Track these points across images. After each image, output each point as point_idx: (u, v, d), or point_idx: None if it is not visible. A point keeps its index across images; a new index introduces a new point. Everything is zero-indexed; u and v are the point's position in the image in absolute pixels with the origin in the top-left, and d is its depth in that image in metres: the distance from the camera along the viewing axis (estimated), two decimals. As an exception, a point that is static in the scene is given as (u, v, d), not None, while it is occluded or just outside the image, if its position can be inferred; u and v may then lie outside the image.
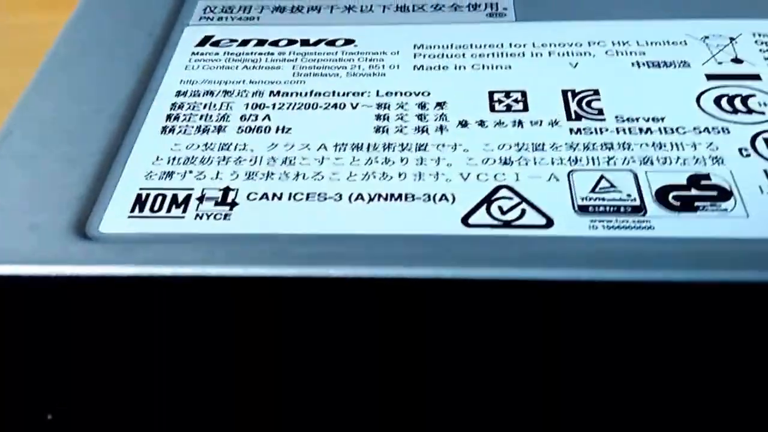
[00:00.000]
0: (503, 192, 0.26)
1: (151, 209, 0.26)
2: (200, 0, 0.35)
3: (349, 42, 0.32)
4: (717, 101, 0.28)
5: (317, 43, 0.32)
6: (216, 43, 0.32)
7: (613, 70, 0.30)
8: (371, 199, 0.26)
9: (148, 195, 0.26)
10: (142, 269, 0.24)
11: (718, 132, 0.27)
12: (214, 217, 0.25)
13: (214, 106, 0.29)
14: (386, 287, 0.24)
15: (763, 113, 0.28)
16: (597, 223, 0.25)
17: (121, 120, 0.29)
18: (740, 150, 0.26)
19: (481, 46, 0.32)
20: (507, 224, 0.25)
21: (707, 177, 0.26)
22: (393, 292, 0.24)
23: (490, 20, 0.33)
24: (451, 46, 0.32)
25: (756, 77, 0.29)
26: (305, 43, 0.32)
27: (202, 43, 0.32)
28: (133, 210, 0.26)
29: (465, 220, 0.25)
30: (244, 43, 0.32)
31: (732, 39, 0.31)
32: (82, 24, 0.34)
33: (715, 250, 0.24)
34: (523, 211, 0.25)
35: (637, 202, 0.25)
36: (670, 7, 0.33)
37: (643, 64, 0.30)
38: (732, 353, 0.23)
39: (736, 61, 0.30)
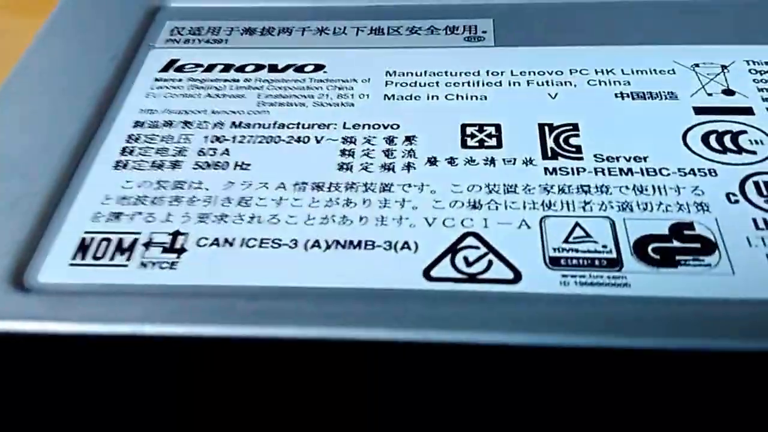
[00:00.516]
0: (470, 240, 0.23)
1: (94, 256, 0.23)
2: (168, 20, 0.32)
3: (318, 68, 0.29)
4: (705, 138, 0.25)
5: (286, 68, 0.29)
6: (180, 68, 0.29)
7: (594, 101, 0.27)
8: (328, 247, 0.23)
9: (92, 239, 0.23)
10: (77, 326, 0.21)
11: (705, 174, 0.24)
12: (160, 266, 0.22)
13: (172, 138, 0.26)
14: (337, 349, 0.21)
15: (754, 153, 0.25)
16: (569, 279, 0.22)
17: (74, 154, 0.26)
18: (728, 195, 0.23)
19: (456, 74, 0.28)
20: (472, 278, 0.22)
21: (690, 226, 0.23)
22: (344, 354, 0.21)
23: (468, 45, 0.30)
24: (425, 73, 0.29)
25: (748, 111, 0.26)
26: (273, 68, 0.29)
27: (166, 68, 0.29)
28: (75, 257, 0.23)
29: (427, 273, 0.22)
30: (210, 68, 0.29)
31: (724, 67, 0.28)
32: (44, 46, 0.31)
33: (695, 313, 0.21)
34: (490, 263, 0.22)
35: (613, 255, 0.22)
36: (659, 32, 0.30)
37: (628, 95, 0.27)
38: (711, 423, 0.21)
39: (728, 92, 0.27)
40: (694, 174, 0.24)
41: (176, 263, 0.22)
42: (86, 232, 0.23)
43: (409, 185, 0.24)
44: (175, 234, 0.23)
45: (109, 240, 0.23)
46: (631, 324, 0.21)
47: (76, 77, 0.29)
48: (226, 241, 0.23)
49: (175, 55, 0.30)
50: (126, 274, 0.22)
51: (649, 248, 0.22)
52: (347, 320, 0.21)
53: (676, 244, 0.22)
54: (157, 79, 0.29)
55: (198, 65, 0.29)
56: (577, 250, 0.22)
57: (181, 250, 0.23)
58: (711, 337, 0.20)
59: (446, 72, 0.28)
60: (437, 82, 0.28)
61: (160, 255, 0.23)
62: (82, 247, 0.23)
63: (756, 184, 0.24)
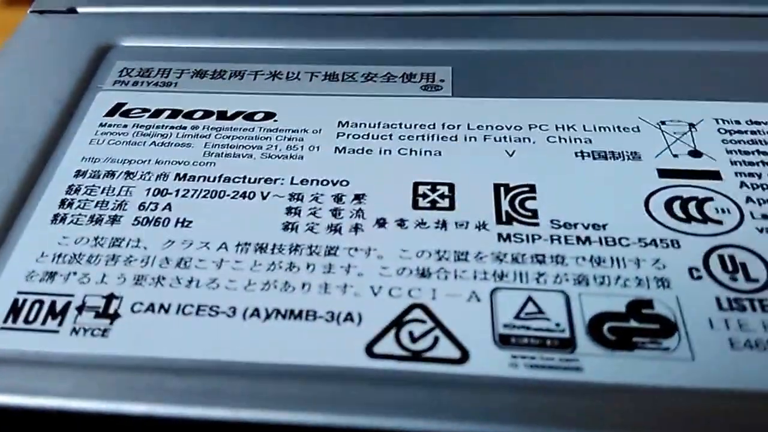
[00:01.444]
0: (416, 313, 0.21)
1: (26, 320, 0.21)
2: (119, 60, 0.30)
3: (269, 116, 0.27)
4: (668, 205, 0.24)
5: (235, 116, 0.27)
6: (126, 113, 0.28)
7: (553, 160, 0.25)
8: (268, 316, 0.21)
9: (25, 301, 0.22)
10: (4, 398, 0.20)
11: (667, 245, 0.22)
12: (92, 333, 0.21)
13: (113, 190, 0.25)
14: None
15: (720, 222, 0.23)
16: (518, 360, 0.20)
17: (13, 204, 0.25)
18: (690, 270, 0.22)
19: (410, 126, 0.27)
20: (416, 356, 0.20)
21: (650, 304, 0.21)
22: None
23: (425, 94, 0.28)
24: (378, 124, 0.27)
25: (715, 175, 0.24)
26: (222, 115, 0.27)
27: (111, 113, 0.28)
28: (6, 320, 0.21)
29: (369, 349, 0.20)
30: (157, 113, 0.28)
31: (692, 126, 0.26)
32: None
33: (650, 403, 0.19)
34: (436, 340, 0.21)
35: (566, 334, 0.20)
36: (625, 84, 0.28)
37: (588, 154, 0.25)
38: None
39: (695, 153, 0.25)
40: (656, 245, 0.22)
41: (108, 331, 0.21)
42: (19, 292, 0.22)
43: (356, 249, 0.23)
44: (110, 297, 0.22)
45: (41, 302, 0.22)
46: (581, 416, 0.19)
47: (19, 121, 0.27)
48: (162, 306, 0.21)
49: (122, 97, 0.28)
50: (57, 341, 0.21)
51: (605, 327, 0.21)
52: (282, 402, 0.20)
53: (633, 324, 0.21)
54: (101, 124, 0.27)
55: (145, 110, 0.28)
56: (528, 328, 0.21)
57: (115, 316, 0.21)
58: None
59: (400, 124, 0.27)
60: (390, 135, 0.26)
61: (92, 320, 0.21)
62: (14, 309, 0.22)
63: (721, 257, 0.22)
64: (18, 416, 0.20)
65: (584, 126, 0.26)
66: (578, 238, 0.23)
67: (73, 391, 0.20)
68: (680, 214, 0.23)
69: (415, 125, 0.27)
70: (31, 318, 0.21)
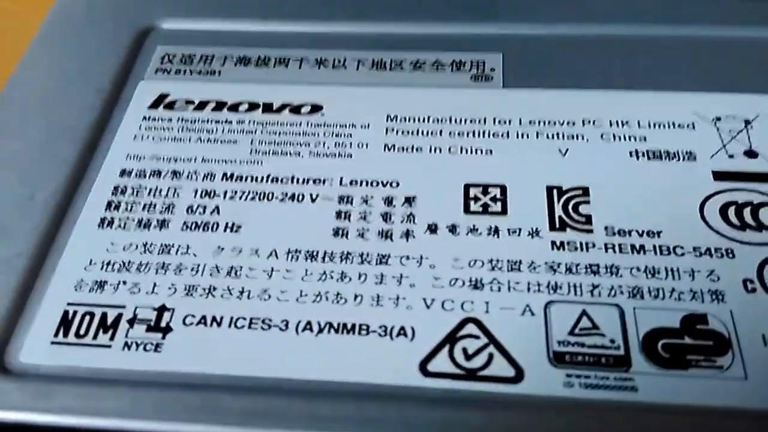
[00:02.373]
0: (470, 327, 0.22)
1: (77, 333, 0.22)
2: (159, 44, 0.31)
3: (316, 109, 0.28)
4: (723, 211, 0.24)
5: (281, 108, 0.28)
6: (170, 105, 0.28)
7: (607, 161, 0.25)
8: (320, 330, 0.22)
9: (75, 313, 0.23)
10: (60, 418, 0.21)
11: (722, 255, 0.23)
12: (144, 348, 0.22)
13: (160, 192, 0.25)
14: None
15: None
16: (573, 379, 0.21)
17: (58, 207, 0.25)
18: (745, 282, 0.22)
19: (461, 121, 0.27)
20: (470, 374, 0.21)
21: (704, 319, 0.22)
22: None
23: (475, 85, 0.28)
24: (428, 119, 0.27)
25: (772, 178, 0.23)
26: (268, 108, 0.28)
27: (155, 105, 0.28)
28: (57, 333, 0.22)
29: (423, 366, 0.21)
30: (201, 106, 0.28)
31: (747, 122, 0.26)
32: (25, 76, 0.29)
33: (702, 424, 0.20)
34: (491, 357, 0.21)
35: (621, 351, 0.21)
36: (681, 76, 0.28)
37: (643, 153, 0.26)
38: None
39: (750, 154, 0.25)
40: (710, 255, 0.23)
41: (160, 346, 0.22)
42: (69, 304, 0.23)
43: (407, 257, 0.23)
44: (161, 309, 0.22)
45: (92, 314, 0.22)
46: None
47: (61, 114, 0.28)
48: (214, 319, 0.22)
49: (165, 88, 0.29)
50: (109, 357, 0.22)
51: (659, 345, 0.21)
52: (338, 425, 0.20)
53: (687, 340, 0.21)
54: (145, 118, 0.28)
55: (189, 102, 0.28)
56: (583, 344, 0.21)
57: (167, 329, 0.22)
58: None
59: (450, 118, 0.27)
60: (440, 131, 0.27)
61: (144, 334, 0.22)
62: (65, 322, 0.22)
63: None
64: None
65: (639, 122, 0.27)
66: (633, 247, 0.23)
67: (129, 410, 0.21)
68: (735, 221, 0.24)
69: (466, 120, 0.27)
70: (82, 332, 0.22)
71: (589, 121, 0.27)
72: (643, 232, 0.23)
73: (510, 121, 0.27)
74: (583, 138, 0.26)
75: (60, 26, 0.32)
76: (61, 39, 0.31)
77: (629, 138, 0.26)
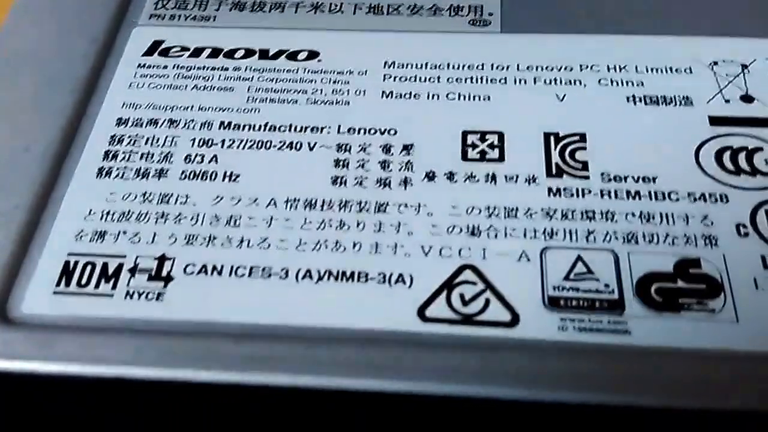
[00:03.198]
0: (467, 274, 0.24)
1: (78, 283, 0.24)
2: (152, -11, 0.31)
3: (312, 55, 0.29)
4: (718, 156, 0.26)
5: (277, 55, 0.29)
6: (165, 52, 0.30)
7: (604, 106, 0.27)
8: (320, 278, 0.24)
9: (76, 263, 0.24)
10: (64, 366, 0.23)
11: (716, 200, 0.25)
12: (146, 297, 0.23)
13: (157, 141, 0.27)
14: (326, 399, 0.22)
15: None
16: (567, 323, 0.23)
17: (54, 158, 0.27)
18: (738, 227, 0.24)
19: (458, 67, 0.29)
20: (467, 319, 0.23)
21: (697, 263, 0.23)
22: (334, 404, 0.22)
23: (473, 30, 0.30)
24: (426, 65, 0.29)
25: (766, 123, 0.26)
26: (264, 54, 0.29)
27: (149, 52, 0.30)
28: (59, 283, 0.24)
29: (421, 312, 0.23)
30: (197, 52, 0.30)
31: (744, 67, 0.28)
32: (15, 27, 0.31)
33: (694, 366, 0.22)
34: (487, 302, 0.23)
35: (615, 296, 0.23)
36: (679, 19, 0.30)
37: (640, 99, 0.27)
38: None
39: (746, 98, 0.27)
40: (705, 200, 0.25)
41: (162, 295, 0.23)
42: (69, 254, 0.24)
43: (406, 205, 0.25)
44: (162, 258, 0.24)
45: (93, 264, 0.24)
46: (628, 381, 0.22)
47: (54, 64, 0.29)
48: (214, 268, 0.24)
49: (159, 34, 0.30)
50: (111, 305, 0.23)
51: (653, 288, 0.23)
52: (337, 369, 0.22)
53: (680, 284, 0.23)
54: (140, 65, 0.29)
55: (184, 48, 0.30)
56: (577, 289, 0.23)
57: (168, 278, 0.24)
58: (705, 398, 0.22)
59: (448, 64, 0.29)
60: (438, 77, 0.28)
61: (145, 283, 0.24)
62: (66, 272, 0.24)
63: None
64: (78, 384, 0.23)
65: (636, 67, 0.28)
66: (628, 193, 0.25)
67: (132, 358, 0.22)
68: (730, 166, 0.25)
69: (463, 66, 0.29)
70: (83, 281, 0.24)
71: (587, 66, 0.28)
72: (638, 177, 0.25)
73: (508, 67, 0.28)
74: (580, 83, 0.28)
75: None
76: None
77: (626, 83, 0.28)
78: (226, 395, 0.22)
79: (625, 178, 0.25)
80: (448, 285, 0.23)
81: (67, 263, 0.24)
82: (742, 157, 0.25)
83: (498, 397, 0.22)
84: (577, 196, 0.25)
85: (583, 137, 0.26)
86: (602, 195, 0.25)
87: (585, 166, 0.25)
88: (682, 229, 0.24)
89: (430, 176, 0.26)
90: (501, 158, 0.26)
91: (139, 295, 0.23)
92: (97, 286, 0.24)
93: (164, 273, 0.24)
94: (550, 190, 0.25)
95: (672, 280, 0.23)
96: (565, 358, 0.22)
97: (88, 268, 0.24)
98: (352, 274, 0.24)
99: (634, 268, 0.23)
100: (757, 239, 0.24)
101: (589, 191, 0.25)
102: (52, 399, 0.23)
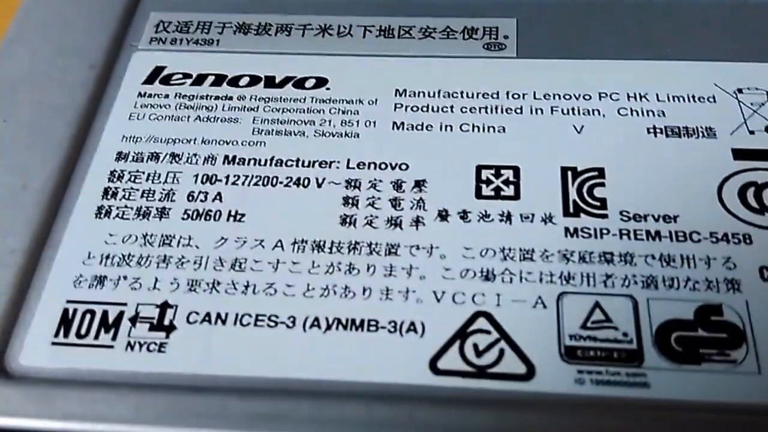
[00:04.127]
0: (481, 322, 0.24)
1: (78, 333, 0.24)
2: (153, 11, 0.33)
3: (321, 83, 0.30)
4: (742, 193, 0.26)
5: (284, 82, 0.30)
6: (166, 79, 0.30)
7: (624, 138, 0.27)
8: (328, 327, 0.24)
9: (75, 311, 0.25)
10: (63, 425, 0.23)
11: (738, 241, 0.25)
12: (148, 348, 0.24)
13: (159, 177, 0.27)
14: None
15: None
16: (584, 375, 0.23)
17: (52, 196, 0.27)
18: (761, 270, 0.25)
19: (473, 95, 0.29)
20: (481, 371, 0.23)
21: (719, 310, 0.24)
22: None
23: (487, 54, 0.30)
24: (438, 93, 0.29)
25: (792, 156, 0.26)
26: (270, 82, 0.30)
27: (150, 79, 0.30)
28: (57, 334, 0.24)
29: (434, 364, 0.24)
30: (200, 80, 0.30)
31: (770, 94, 0.27)
32: (11, 53, 0.31)
33: (715, 421, 0.23)
34: (502, 353, 0.24)
35: (634, 345, 0.23)
36: (701, 44, 0.30)
37: (661, 130, 0.28)
38: None
39: (772, 129, 0.26)
40: (727, 241, 0.25)
41: (164, 346, 0.24)
42: (68, 301, 0.25)
43: (417, 247, 0.25)
44: (164, 306, 0.25)
45: (93, 312, 0.25)
46: None
47: (51, 92, 0.30)
48: (219, 317, 0.24)
49: (161, 60, 0.31)
50: (112, 358, 0.24)
51: (672, 338, 0.23)
52: (347, 428, 0.23)
53: (701, 333, 0.24)
54: (140, 94, 0.30)
55: (186, 75, 0.30)
56: (595, 338, 0.24)
57: (170, 328, 0.24)
58: None
59: (462, 93, 0.29)
60: (451, 107, 0.29)
61: (147, 333, 0.24)
62: (65, 321, 0.24)
63: None
64: None
65: (657, 95, 0.29)
66: (648, 233, 0.25)
67: (134, 416, 0.23)
68: (754, 204, 0.26)
69: (478, 94, 0.29)
70: (83, 331, 0.24)
71: (606, 95, 0.29)
72: (659, 216, 0.26)
73: (524, 95, 0.29)
74: (599, 113, 0.28)
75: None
76: (47, 9, 0.33)
77: (647, 113, 0.28)
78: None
79: (645, 218, 0.26)
80: (462, 334, 0.24)
81: (66, 311, 0.25)
82: (766, 194, 0.26)
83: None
84: (596, 236, 0.25)
85: (601, 172, 0.27)
86: (621, 236, 0.25)
87: (603, 204, 0.26)
88: (704, 273, 0.24)
89: (443, 215, 0.26)
90: (516, 195, 0.26)
91: (141, 346, 0.24)
92: (96, 336, 0.24)
93: (166, 322, 0.24)
94: (567, 230, 0.26)
95: (693, 329, 0.24)
96: (582, 414, 0.23)
97: (88, 316, 0.25)
98: (362, 322, 0.24)
99: (653, 316, 0.24)
100: None
101: (608, 231, 0.25)
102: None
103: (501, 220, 0.26)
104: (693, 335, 0.23)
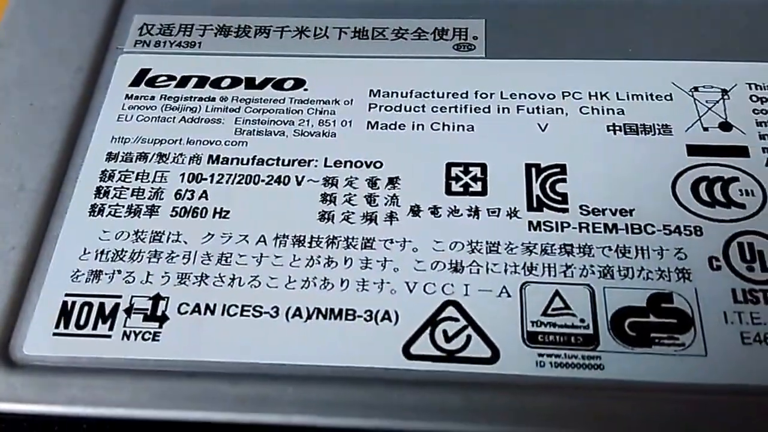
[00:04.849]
0: (450, 310, 0.28)
1: (77, 324, 0.28)
2: (136, 13, 0.36)
3: (299, 83, 0.33)
4: (694, 187, 0.30)
5: (264, 83, 0.33)
6: (152, 82, 0.34)
7: (585, 136, 0.31)
8: (309, 316, 0.28)
9: (74, 304, 0.28)
10: (66, 409, 0.27)
11: (690, 233, 0.29)
12: (142, 337, 0.28)
13: (147, 176, 0.31)
14: None
15: (742, 206, 0.29)
16: (545, 359, 0.27)
17: (48, 196, 0.31)
18: (710, 260, 0.28)
19: (443, 95, 0.33)
20: (450, 356, 0.27)
21: (669, 298, 0.28)
22: None
23: (457, 55, 0.34)
24: (410, 93, 0.33)
25: (743, 152, 0.31)
26: (250, 83, 0.34)
27: (136, 81, 0.34)
28: (57, 325, 0.28)
29: (406, 350, 0.27)
30: (183, 82, 0.34)
31: (725, 92, 0.32)
32: (1, 57, 0.35)
33: (665, 400, 0.26)
34: (469, 339, 0.27)
35: (590, 330, 0.27)
36: (660, 43, 0.34)
37: (620, 128, 0.31)
38: None
39: (725, 126, 0.31)
40: (679, 233, 0.29)
41: (158, 335, 0.28)
42: (67, 295, 0.28)
43: (391, 241, 0.29)
44: (156, 298, 0.28)
45: (90, 305, 0.28)
46: (601, 415, 0.26)
47: (42, 95, 0.33)
48: (207, 307, 0.28)
49: (145, 62, 0.34)
50: (109, 347, 0.27)
51: (626, 323, 0.27)
52: (326, 409, 0.26)
53: (652, 318, 0.27)
54: (128, 96, 0.33)
55: (171, 78, 0.34)
56: (555, 324, 0.27)
57: (163, 318, 0.28)
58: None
59: (433, 92, 0.33)
60: (423, 106, 0.33)
61: (141, 324, 0.28)
62: (65, 313, 0.28)
63: (740, 245, 0.28)
64: (79, 425, 0.27)
65: (618, 94, 0.32)
66: (606, 226, 0.29)
67: (132, 400, 0.27)
68: (705, 197, 0.30)
69: (448, 94, 0.33)
70: (82, 322, 0.28)
71: (569, 94, 0.33)
72: (616, 210, 0.29)
73: (492, 95, 0.33)
74: (562, 112, 0.32)
75: (26, 5, 0.37)
76: (33, 12, 0.37)
77: (607, 111, 0.32)
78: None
79: (603, 211, 0.29)
80: (432, 322, 0.28)
81: (65, 304, 0.28)
82: (717, 188, 0.30)
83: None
84: (557, 230, 0.29)
85: (563, 169, 0.31)
86: (581, 229, 0.29)
87: (565, 198, 0.30)
88: (656, 263, 0.28)
89: (415, 211, 0.30)
90: (484, 191, 0.30)
91: (136, 335, 0.28)
92: (95, 327, 0.28)
93: (159, 313, 0.28)
94: (530, 224, 0.29)
95: (645, 315, 0.27)
96: (542, 395, 0.26)
97: (86, 309, 0.28)
98: (340, 311, 0.28)
99: (609, 303, 0.28)
100: (728, 272, 0.28)
101: (569, 224, 0.29)
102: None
103: (469, 215, 0.30)
104: (645, 321, 0.27)
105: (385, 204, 0.30)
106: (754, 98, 0.32)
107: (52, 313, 0.28)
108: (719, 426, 0.26)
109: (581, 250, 0.29)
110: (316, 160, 0.31)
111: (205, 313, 0.28)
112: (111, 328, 0.28)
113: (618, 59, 0.33)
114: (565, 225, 0.29)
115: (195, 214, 0.30)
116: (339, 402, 0.26)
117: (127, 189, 0.31)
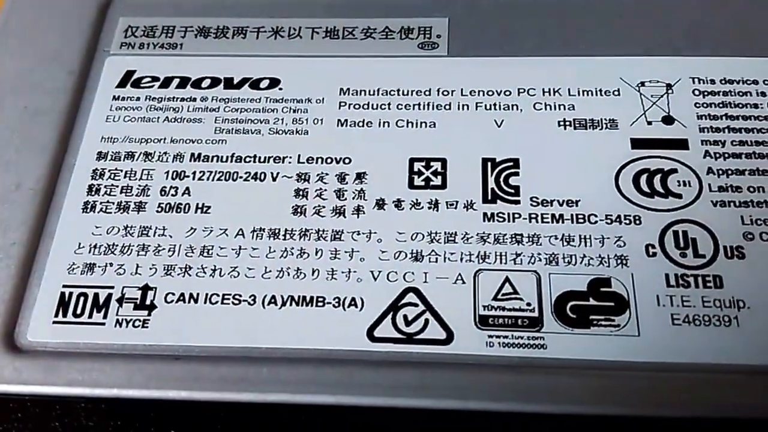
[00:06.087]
0: (410, 297, 0.33)
1: (74, 313, 0.34)
2: (121, 16, 0.42)
3: (274, 83, 0.39)
4: (636, 179, 0.35)
5: (241, 83, 0.39)
6: (137, 83, 0.39)
7: (537, 131, 0.37)
8: (284, 303, 0.34)
9: (71, 295, 0.34)
10: (66, 390, 0.33)
11: (629, 222, 0.34)
12: (133, 325, 0.33)
13: (135, 174, 0.37)
14: (292, 412, 0.32)
15: (679, 196, 0.35)
16: (494, 339, 0.32)
17: (44, 194, 0.37)
18: (647, 247, 0.34)
19: (407, 93, 0.38)
20: (409, 338, 0.33)
21: (608, 283, 0.33)
22: (299, 416, 0.32)
23: (421, 53, 0.40)
24: (377, 91, 0.39)
25: (683, 144, 0.36)
26: (229, 83, 0.39)
27: (122, 83, 0.40)
28: (57, 314, 0.34)
29: (370, 333, 0.33)
30: (166, 83, 0.39)
31: (669, 87, 0.37)
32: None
33: (600, 378, 0.31)
34: (426, 322, 0.33)
35: (535, 313, 0.32)
36: (610, 39, 0.39)
37: (570, 123, 0.37)
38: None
39: (667, 120, 0.36)
40: (620, 222, 0.34)
41: (147, 322, 0.33)
42: (64, 286, 0.34)
43: (358, 233, 0.35)
44: (145, 288, 0.34)
45: (86, 295, 0.34)
46: (543, 392, 0.31)
47: (36, 97, 0.39)
48: (191, 296, 0.34)
49: (131, 63, 0.40)
50: (104, 333, 0.33)
51: (568, 306, 0.32)
52: (298, 387, 0.32)
53: (592, 302, 0.32)
54: (115, 97, 0.39)
55: (154, 79, 0.39)
56: (504, 308, 0.33)
57: (151, 307, 0.34)
58: (607, 407, 0.31)
59: (398, 90, 0.38)
60: (389, 104, 0.38)
61: (132, 312, 0.33)
62: (63, 303, 0.34)
63: (675, 234, 0.34)
64: (77, 405, 0.32)
65: (569, 90, 0.38)
66: (553, 216, 0.34)
67: (125, 381, 0.32)
68: (645, 188, 0.35)
69: (412, 92, 0.38)
70: (78, 311, 0.33)
71: (524, 90, 0.38)
72: (563, 201, 0.35)
73: (453, 92, 0.38)
74: (517, 108, 0.37)
75: (17, 11, 0.42)
76: (22, 16, 0.42)
77: (559, 107, 0.37)
78: (205, 411, 0.32)
79: (552, 202, 0.35)
80: (394, 307, 0.33)
81: (63, 295, 0.34)
82: (657, 180, 0.35)
83: (434, 408, 0.31)
84: (509, 220, 0.35)
85: (516, 163, 0.36)
86: (530, 219, 0.34)
87: (517, 191, 0.35)
88: (598, 251, 0.34)
89: (380, 204, 0.35)
90: (443, 185, 0.36)
91: (127, 323, 0.33)
92: (90, 315, 0.33)
93: (148, 302, 0.34)
94: (485, 215, 0.35)
95: (585, 299, 0.33)
96: (491, 372, 0.32)
97: (81, 299, 0.34)
98: (311, 299, 0.33)
99: (553, 288, 0.33)
100: (663, 259, 0.33)
101: (519, 215, 0.35)
102: (56, 418, 0.33)
103: (429, 208, 0.35)
104: (585, 304, 0.32)
105: (353, 198, 0.35)
106: (696, 92, 0.37)
107: (52, 303, 0.33)
108: (650, 399, 0.30)
109: (530, 239, 0.34)
110: (290, 157, 0.37)
111: (189, 302, 0.33)
112: (105, 317, 0.33)
113: (571, 56, 0.39)
114: (516, 216, 0.35)
115: (179, 210, 0.36)
116: (310, 381, 0.31)
117: (117, 186, 0.36)
